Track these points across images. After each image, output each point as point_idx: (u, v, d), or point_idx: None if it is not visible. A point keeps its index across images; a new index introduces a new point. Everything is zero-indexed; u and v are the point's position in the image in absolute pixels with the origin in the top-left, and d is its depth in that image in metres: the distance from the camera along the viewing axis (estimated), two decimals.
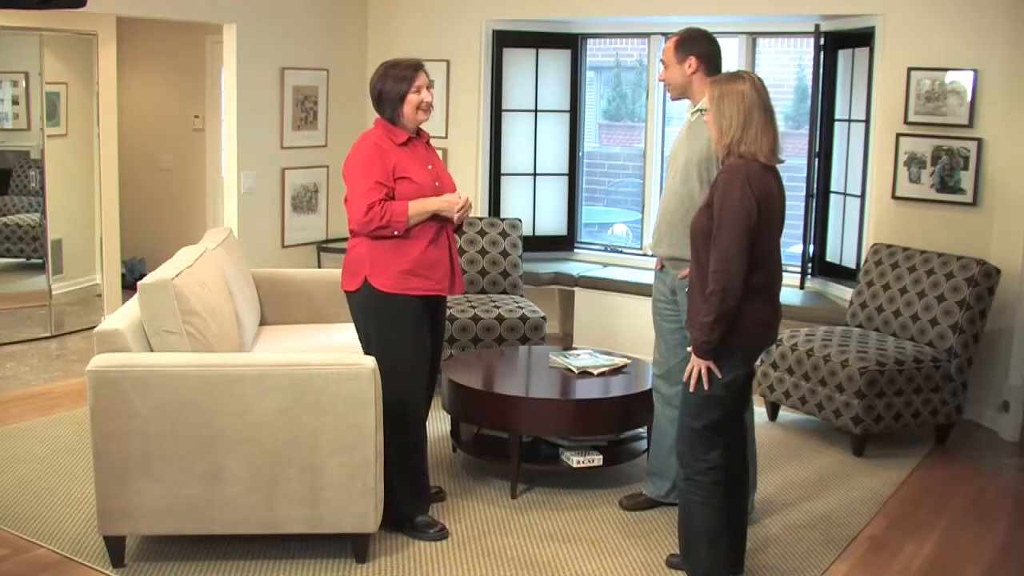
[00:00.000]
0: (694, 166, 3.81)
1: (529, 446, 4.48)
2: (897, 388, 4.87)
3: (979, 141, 5.33)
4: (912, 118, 5.56)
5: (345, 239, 4.27)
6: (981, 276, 5.02)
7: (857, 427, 4.85)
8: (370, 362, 3.56)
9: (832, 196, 6.27)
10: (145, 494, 3.49)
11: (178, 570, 3.60)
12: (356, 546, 3.68)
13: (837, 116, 6.21)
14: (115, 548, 3.60)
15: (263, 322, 5.17)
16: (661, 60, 4.00)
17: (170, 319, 3.69)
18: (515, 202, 7.22)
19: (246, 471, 3.49)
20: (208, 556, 3.69)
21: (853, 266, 6.01)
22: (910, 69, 5.53)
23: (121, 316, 3.77)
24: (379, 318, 3.84)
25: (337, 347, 4.67)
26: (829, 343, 5.10)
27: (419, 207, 3.80)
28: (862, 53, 5.90)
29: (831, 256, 6.31)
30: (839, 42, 6.13)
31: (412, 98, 3.83)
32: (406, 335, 3.83)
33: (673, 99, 4.04)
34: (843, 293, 5.97)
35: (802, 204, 6.28)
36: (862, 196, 5.89)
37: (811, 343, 5.14)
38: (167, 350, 3.69)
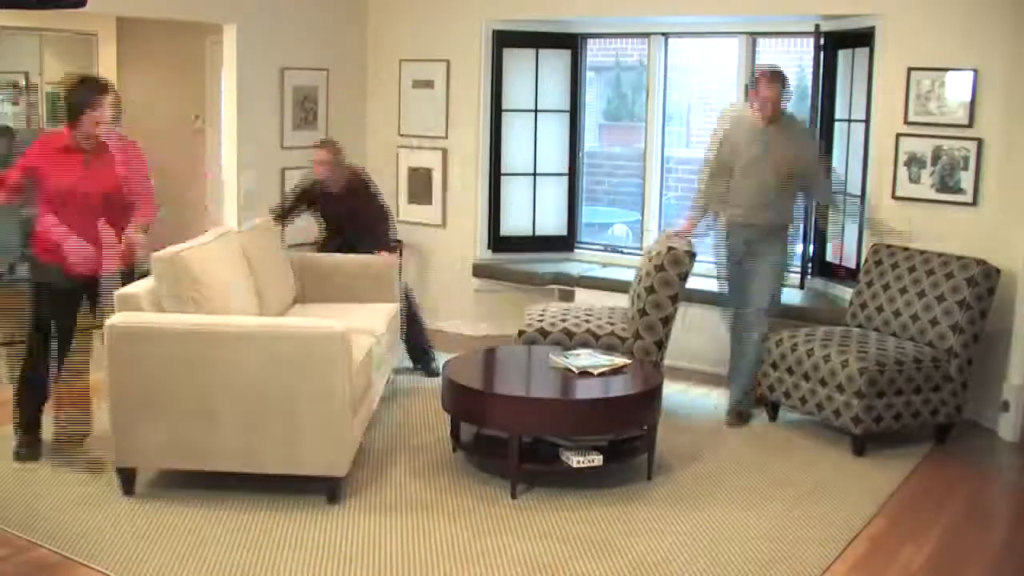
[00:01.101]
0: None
1: (529, 446, 4.48)
2: (897, 388, 4.87)
3: (979, 141, 5.33)
4: (912, 118, 5.56)
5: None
6: (981, 276, 5.02)
7: (857, 427, 4.85)
8: (339, 327, 4.06)
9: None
10: (152, 433, 4.11)
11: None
12: (329, 489, 4.18)
13: (837, 116, 6.21)
14: (126, 479, 4.22)
15: (303, 300, 5.75)
16: (767, 97, 5.29)
17: (177, 286, 4.29)
18: (515, 202, 7.22)
19: (235, 416, 4.09)
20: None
21: (853, 266, 6.01)
22: (910, 69, 5.53)
23: (140, 283, 4.43)
24: None
25: (354, 322, 4.74)
26: (829, 343, 5.10)
27: None
28: (862, 53, 5.90)
29: (831, 256, 6.31)
30: (839, 42, 6.13)
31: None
32: None
33: (767, 117, 5.32)
34: (843, 293, 5.96)
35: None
36: (862, 196, 5.89)
37: (811, 343, 5.14)
38: (175, 312, 4.28)
